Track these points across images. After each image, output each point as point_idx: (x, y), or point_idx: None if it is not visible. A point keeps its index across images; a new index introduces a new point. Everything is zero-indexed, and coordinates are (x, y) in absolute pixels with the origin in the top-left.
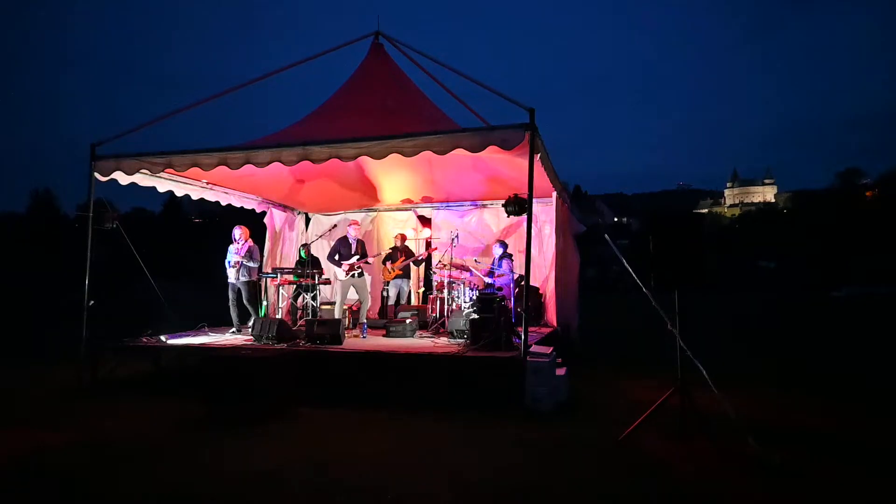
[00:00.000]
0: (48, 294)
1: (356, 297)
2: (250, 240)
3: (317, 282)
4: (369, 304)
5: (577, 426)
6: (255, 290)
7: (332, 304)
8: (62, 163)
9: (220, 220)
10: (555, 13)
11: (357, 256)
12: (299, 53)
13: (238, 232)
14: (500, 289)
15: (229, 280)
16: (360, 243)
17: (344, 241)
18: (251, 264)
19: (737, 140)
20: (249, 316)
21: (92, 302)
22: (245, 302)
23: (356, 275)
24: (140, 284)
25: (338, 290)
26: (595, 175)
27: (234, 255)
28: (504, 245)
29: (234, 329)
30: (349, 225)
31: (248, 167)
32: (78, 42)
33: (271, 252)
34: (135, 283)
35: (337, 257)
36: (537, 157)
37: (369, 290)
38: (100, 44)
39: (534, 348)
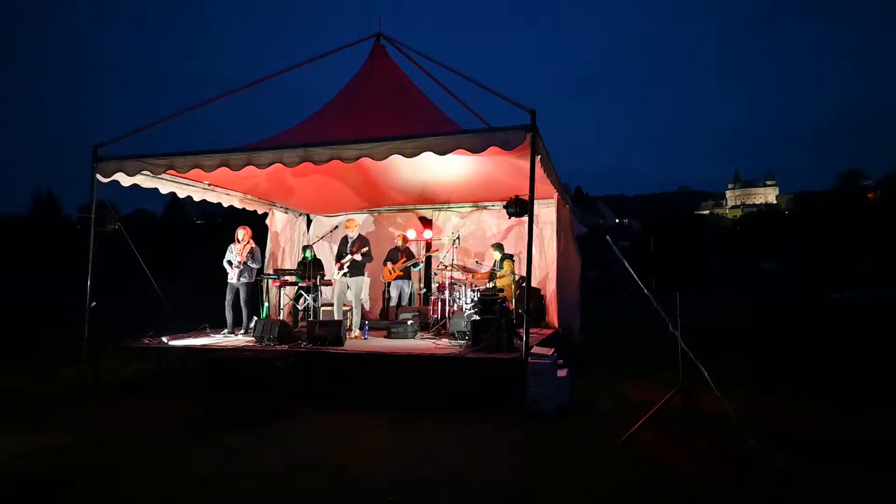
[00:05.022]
0: (50, 295)
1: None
2: (252, 241)
3: (318, 283)
4: (359, 306)
5: (578, 428)
6: (254, 290)
7: (332, 305)
8: (64, 165)
9: (222, 221)
10: (556, 13)
11: (348, 256)
12: (301, 55)
13: (241, 233)
14: (501, 290)
15: (229, 280)
16: (359, 240)
17: (344, 240)
18: (254, 265)
19: (738, 141)
20: (247, 317)
21: (94, 303)
22: (242, 302)
23: (346, 274)
24: (142, 286)
25: (335, 290)
26: (596, 176)
27: (235, 255)
28: (501, 247)
29: (227, 330)
30: (345, 226)
31: (250, 168)
32: (79, 44)
33: (273, 253)
34: (137, 284)
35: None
36: (538, 158)
37: (365, 291)
38: (101, 45)
39: (535, 350)
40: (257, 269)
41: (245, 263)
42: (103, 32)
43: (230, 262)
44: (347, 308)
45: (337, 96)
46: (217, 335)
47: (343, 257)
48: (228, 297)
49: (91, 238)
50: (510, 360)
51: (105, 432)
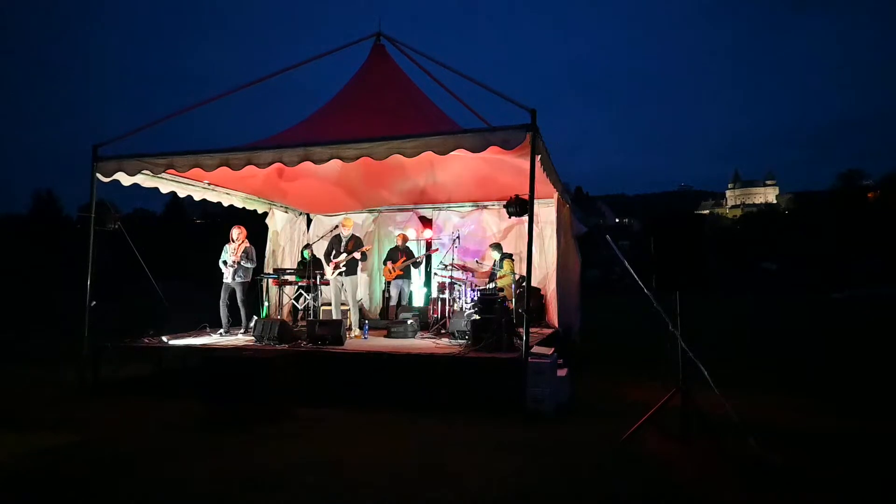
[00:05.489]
0: (50, 295)
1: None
2: (247, 241)
3: (318, 282)
4: (356, 305)
5: (578, 428)
6: (250, 290)
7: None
8: (64, 164)
9: (222, 221)
10: (556, 12)
11: (343, 255)
12: (301, 55)
13: (236, 232)
14: (501, 289)
15: (224, 280)
16: (353, 239)
17: (336, 239)
18: (248, 265)
19: (739, 141)
20: (246, 316)
21: (94, 302)
22: (239, 302)
23: (342, 273)
24: (142, 285)
25: (331, 289)
26: (596, 176)
27: (230, 255)
28: (499, 247)
29: (222, 330)
30: (341, 224)
31: (250, 168)
32: (79, 43)
33: (273, 253)
34: (137, 283)
35: (333, 255)
36: (538, 157)
37: (359, 290)
38: (101, 45)
39: (535, 349)
40: (252, 269)
41: (239, 263)
42: (103, 32)
43: (225, 262)
44: (346, 308)
45: (337, 96)
46: (215, 335)
47: (332, 255)
48: (223, 296)
49: (91, 237)
50: (510, 359)
51: (105, 432)
